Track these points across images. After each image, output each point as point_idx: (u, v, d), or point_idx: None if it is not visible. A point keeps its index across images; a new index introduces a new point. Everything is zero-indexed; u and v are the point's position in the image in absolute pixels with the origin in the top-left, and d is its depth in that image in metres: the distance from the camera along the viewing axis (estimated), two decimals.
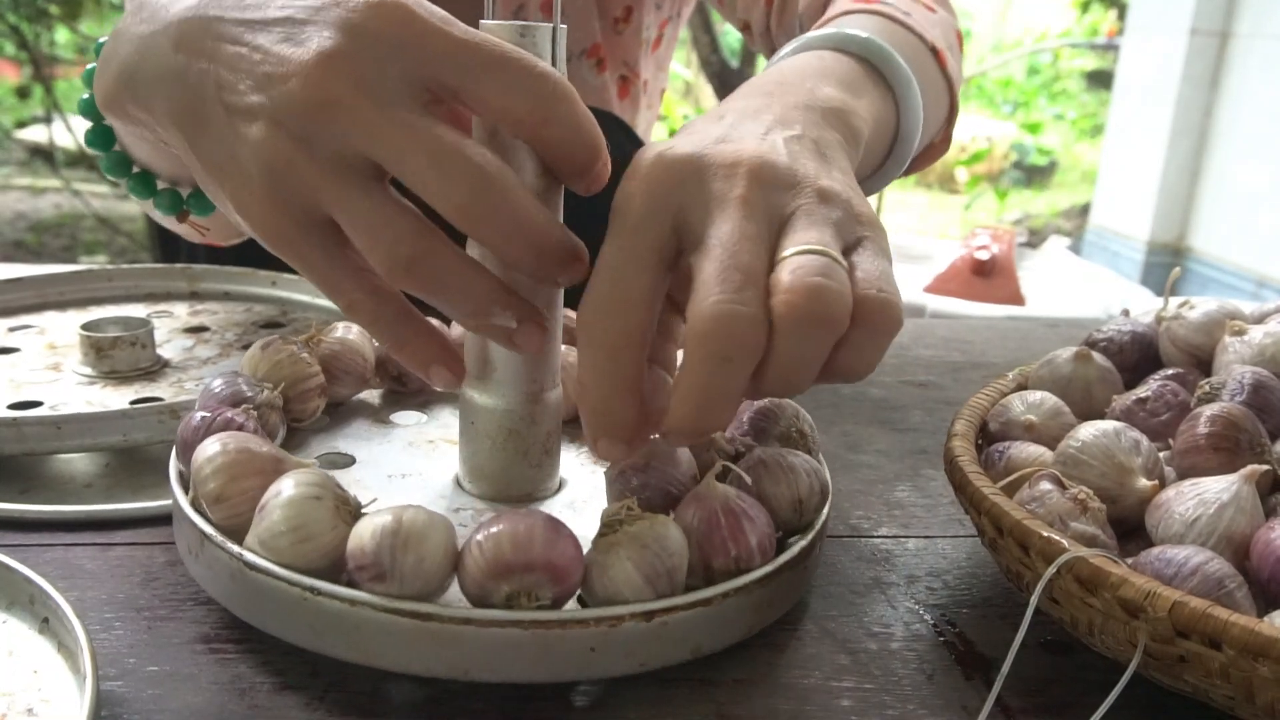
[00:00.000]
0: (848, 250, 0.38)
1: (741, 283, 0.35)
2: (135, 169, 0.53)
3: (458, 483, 0.46)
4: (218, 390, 0.46)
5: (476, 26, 0.39)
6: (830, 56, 0.51)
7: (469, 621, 0.35)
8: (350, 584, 0.36)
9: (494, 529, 0.36)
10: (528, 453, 0.44)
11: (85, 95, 0.49)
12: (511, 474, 0.44)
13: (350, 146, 0.36)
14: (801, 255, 0.35)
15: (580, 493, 0.47)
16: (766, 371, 0.35)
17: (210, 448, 0.40)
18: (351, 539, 0.36)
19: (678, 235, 0.38)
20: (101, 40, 0.46)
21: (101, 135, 0.51)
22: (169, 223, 0.59)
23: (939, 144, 0.66)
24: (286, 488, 0.37)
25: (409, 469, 0.47)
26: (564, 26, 0.41)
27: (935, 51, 0.61)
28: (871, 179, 0.56)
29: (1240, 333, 0.49)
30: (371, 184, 0.37)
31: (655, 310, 0.38)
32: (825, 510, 0.44)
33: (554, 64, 0.40)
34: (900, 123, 0.54)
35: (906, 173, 0.61)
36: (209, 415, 0.43)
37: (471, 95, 0.37)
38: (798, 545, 0.41)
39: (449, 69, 0.37)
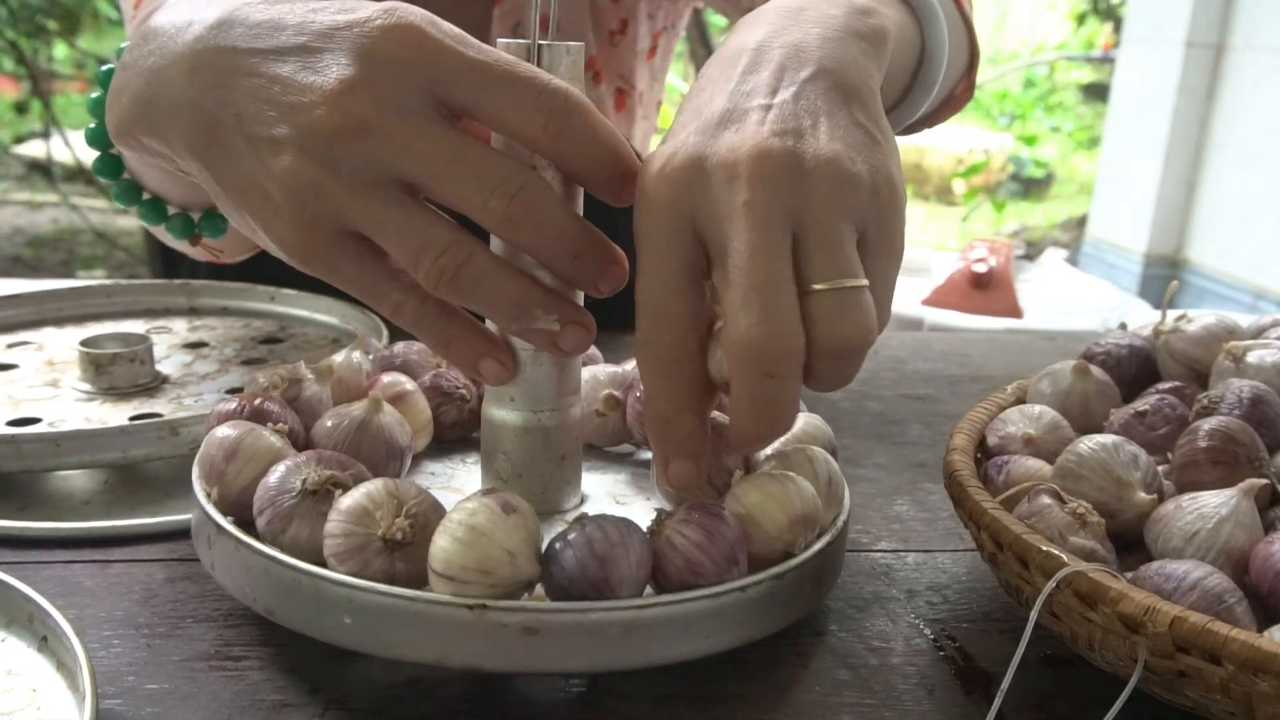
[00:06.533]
0: (860, 241, 0.38)
1: (762, 305, 0.35)
2: (145, 195, 0.53)
3: None
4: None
5: (488, 40, 0.39)
6: None
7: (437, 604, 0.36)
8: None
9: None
10: (551, 464, 0.44)
11: (92, 124, 0.49)
12: (534, 486, 0.44)
13: (381, 167, 0.37)
14: (827, 297, 0.36)
15: (601, 507, 0.47)
16: (810, 380, 0.37)
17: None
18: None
19: (701, 243, 0.38)
20: (106, 66, 0.46)
21: (110, 163, 0.52)
22: (181, 245, 0.59)
23: (961, 93, 0.65)
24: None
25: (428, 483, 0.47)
26: (580, 44, 0.41)
27: None
28: (899, 107, 0.55)
29: (1237, 359, 0.49)
30: (404, 199, 0.37)
31: (702, 319, 0.38)
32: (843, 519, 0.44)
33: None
34: (925, 42, 0.52)
35: (930, 121, 0.59)
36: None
37: (485, 113, 0.38)
38: (813, 548, 0.41)
39: (462, 87, 0.37)
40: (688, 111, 0.40)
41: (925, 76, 0.54)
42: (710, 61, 0.43)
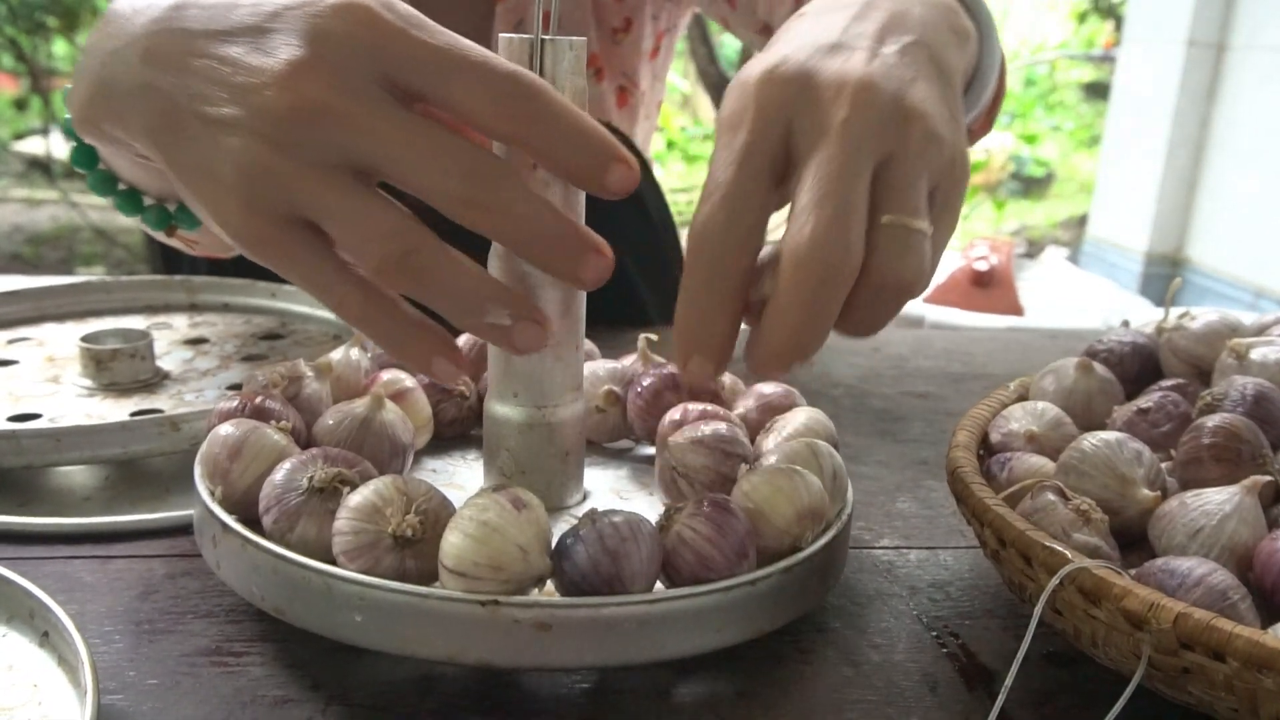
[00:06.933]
0: (930, 195, 0.39)
1: (835, 217, 0.36)
2: (121, 186, 0.53)
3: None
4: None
5: (491, 37, 0.39)
6: None
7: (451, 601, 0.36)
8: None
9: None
10: (555, 460, 0.44)
11: (68, 115, 0.49)
12: (537, 483, 0.44)
13: (334, 150, 0.36)
14: (894, 231, 0.37)
15: (603, 502, 0.47)
16: (847, 314, 0.37)
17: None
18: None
19: (786, 153, 0.38)
20: (68, 87, 0.46)
21: (86, 154, 0.51)
22: (159, 237, 0.59)
23: (978, 129, 0.64)
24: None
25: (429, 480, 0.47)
26: (582, 39, 0.41)
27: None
28: None
29: (1241, 356, 0.49)
30: (356, 185, 0.37)
31: (765, 222, 0.38)
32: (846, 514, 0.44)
33: (540, 73, 0.40)
34: (980, 59, 0.52)
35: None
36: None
37: (437, 96, 0.37)
38: (820, 541, 0.41)
39: (413, 70, 0.36)
40: (788, 37, 0.41)
41: (971, 95, 0.54)
42: (810, 7, 0.43)
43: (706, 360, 0.38)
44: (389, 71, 0.36)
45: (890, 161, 0.37)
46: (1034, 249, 3.92)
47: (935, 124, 0.38)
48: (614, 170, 0.37)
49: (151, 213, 0.54)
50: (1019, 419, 0.49)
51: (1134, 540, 0.42)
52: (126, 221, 3.98)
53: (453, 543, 0.36)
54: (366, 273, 0.37)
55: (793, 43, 0.40)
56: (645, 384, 0.51)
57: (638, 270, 0.88)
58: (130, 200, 0.53)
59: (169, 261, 0.95)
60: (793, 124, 0.38)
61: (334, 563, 0.37)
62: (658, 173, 1.03)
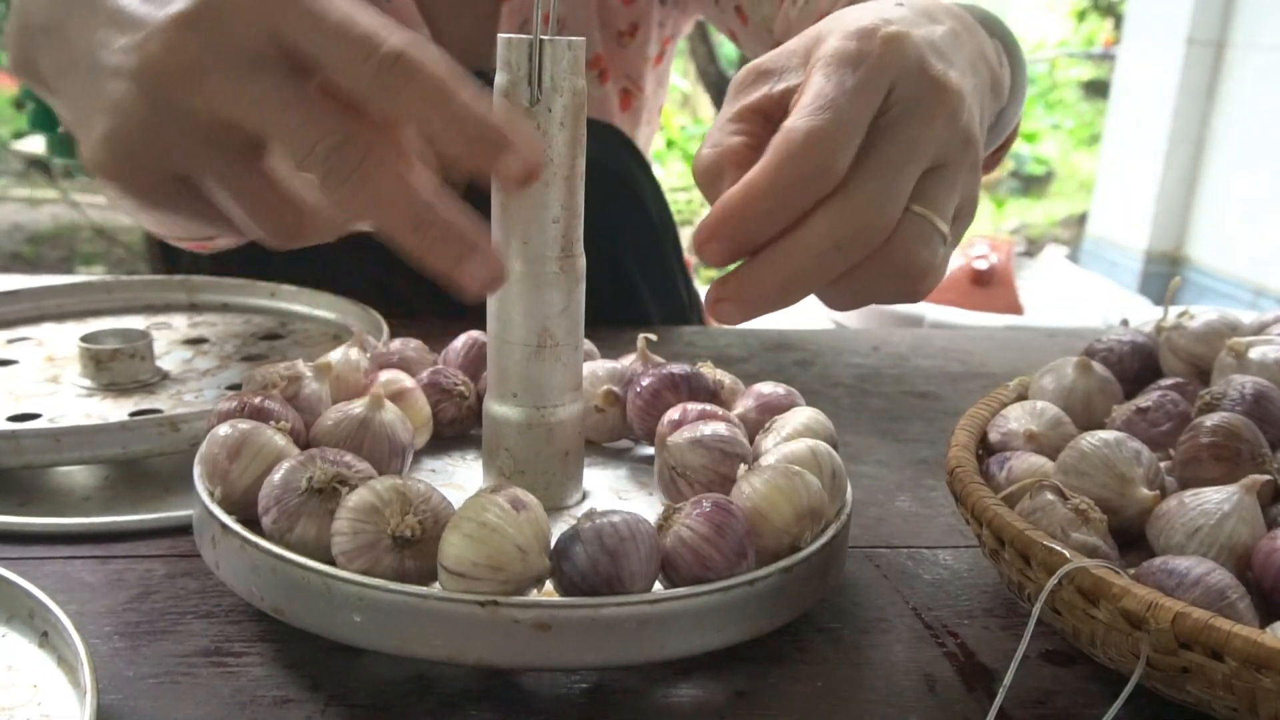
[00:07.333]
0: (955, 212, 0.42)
1: (885, 190, 0.38)
2: (61, 129, 0.54)
3: None
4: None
5: (495, 37, 0.39)
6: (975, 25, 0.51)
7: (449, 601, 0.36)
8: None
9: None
10: (554, 460, 0.44)
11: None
12: (536, 483, 0.44)
13: (211, 111, 0.36)
14: (921, 221, 0.39)
15: (602, 502, 0.47)
16: (845, 282, 0.39)
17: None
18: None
19: (884, 108, 0.39)
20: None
21: (44, 116, 0.53)
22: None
23: (987, 163, 0.65)
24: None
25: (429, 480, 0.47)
26: (581, 39, 0.41)
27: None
28: None
29: (1240, 355, 0.49)
30: (237, 152, 0.37)
31: (847, 161, 0.39)
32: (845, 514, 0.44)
33: (541, 77, 0.40)
34: (1008, 105, 0.54)
35: None
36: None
37: (322, 66, 0.36)
38: (819, 541, 0.42)
39: (300, 37, 0.36)
40: (858, 9, 0.43)
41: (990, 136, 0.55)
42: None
43: (726, 247, 0.39)
44: (276, 36, 0.36)
45: (943, 167, 0.40)
46: (1034, 247, 3.92)
47: (978, 158, 0.42)
48: (505, 160, 0.35)
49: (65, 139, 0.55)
50: (1018, 418, 0.49)
51: (1133, 539, 0.42)
52: (127, 220, 3.98)
53: (452, 543, 0.36)
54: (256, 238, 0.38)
55: (913, 26, 0.41)
56: (644, 384, 0.51)
57: (638, 270, 0.88)
58: (67, 143, 0.55)
59: (169, 260, 0.95)
60: (896, 87, 0.39)
61: (333, 563, 0.37)
62: (658, 172, 1.03)
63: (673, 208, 0.95)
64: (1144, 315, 0.60)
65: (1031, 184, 5.35)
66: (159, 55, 0.36)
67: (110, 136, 0.37)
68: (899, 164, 0.38)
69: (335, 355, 0.52)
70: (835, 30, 0.41)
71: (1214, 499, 0.40)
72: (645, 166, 0.88)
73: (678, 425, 0.46)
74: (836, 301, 0.41)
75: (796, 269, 0.38)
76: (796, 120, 0.38)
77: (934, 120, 0.39)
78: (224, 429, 0.43)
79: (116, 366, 0.59)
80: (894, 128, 0.39)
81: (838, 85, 0.39)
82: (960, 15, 0.47)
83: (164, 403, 0.58)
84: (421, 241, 0.35)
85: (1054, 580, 0.37)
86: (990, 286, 2.89)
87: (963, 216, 0.42)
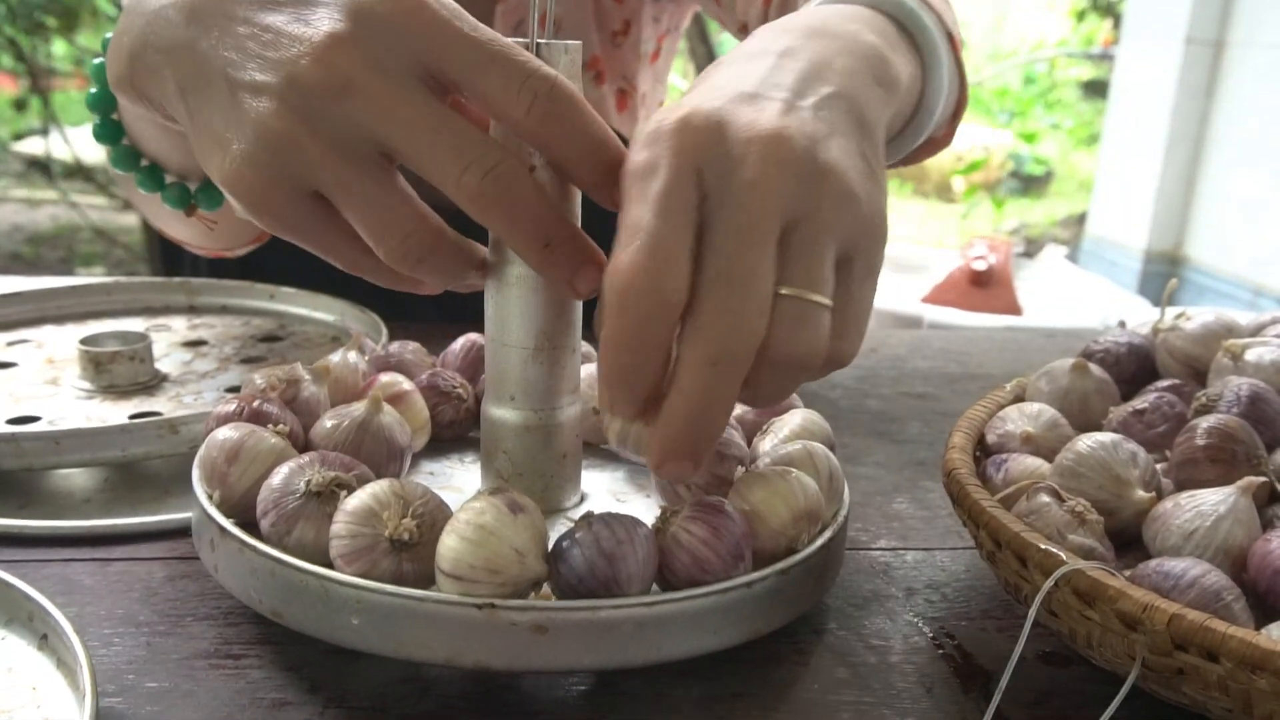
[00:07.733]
0: (840, 263, 0.37)
1: (738, 294, 0.34)
2: (144, 162, 0.54)
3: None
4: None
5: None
6: (866, 11, 0.48)
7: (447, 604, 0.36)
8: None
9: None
10: (552, 462, 0.44)
11: (93, 89, 0.49)
12: (535, 485, 0.44)
13: (358, 130, 0.37)
14: (792, 304, 0.35)
15: (600, 505, 0.47)
16: (747, 387, 0.36)
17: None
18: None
19: (702, 201, 0.36)
20: (108, 36, 0.47)
21: (111, 129, 0.52)
22: (176, 219, 0.59)
23: (942, 138, 0.64)
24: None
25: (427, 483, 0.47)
26: (578, 43, 0.41)
27: (950, 36, 0.60)
28: (887, 146, 0.55)
29: (1236, 357, 0.49)
30: (376, 170, 0.37)
31: (689, 277, 0.35)
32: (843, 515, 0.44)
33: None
34: (925, 91, 0.51)
35: (904, 162, 0.59)
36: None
37: (473, 89, 0.37)
38: (816, 543, 0.42)
39: (452, 61, 0.37)
40: (704, 86, 0.40)
41: (916, 124, 0.53)
42: (729, 55, 0.42)
43: (628, 404, 0.36)
44: (427, 59, 0.37)
45: (800, 224, 0.36)
46: (1033, 247, 3.92)
47: (850, 181, 0.37)
48: (614, 187, 0.38)
49: (172, 191, 0.54)
50: (1015, 420, 0.49)
51: (1129, 541, 0.43)
52: (126, 221, 3.98)
53: (449, 546, 0.36)
54: (382, 257, 0.39)
55: (709, 91, 0.38)
56: None
57: None
58: (151, 176, 0.54)
59: (169, 262, 0.96)
60: (704, 174, 0.36)
61: (331, 566, 0.38)
62: None
63: None
64: (1143, 315, 0.60)
65: (1031, 184, 5.35)
66: (311, 71, 0.36)
67: (251, 151, 0.37)
68: (740, 251, 0.35)
69: (334, 358, 0.52)
70: (636, 138, 0.38)
71: (1210, 501, 0.40)
72: None
73: None
74: (751, 403, 0.38)
75: (693, 407, 0.35)
76: (615, 257, 0.35)
77: (762, 181, 0.35)
78: (223, 432, 0.43)
79: (116, 369, 0.60)
80: (721, 211, 0.35)
81: (640, 201, 0.35)
82: (816, 27, 0.44)
83: (163, 405, 0.58)
84: (550, 256, 0.38)
85: (1050, 582, 0.37)
86: (989, 287, 2.89)
87: (860, 251, 0.37)
